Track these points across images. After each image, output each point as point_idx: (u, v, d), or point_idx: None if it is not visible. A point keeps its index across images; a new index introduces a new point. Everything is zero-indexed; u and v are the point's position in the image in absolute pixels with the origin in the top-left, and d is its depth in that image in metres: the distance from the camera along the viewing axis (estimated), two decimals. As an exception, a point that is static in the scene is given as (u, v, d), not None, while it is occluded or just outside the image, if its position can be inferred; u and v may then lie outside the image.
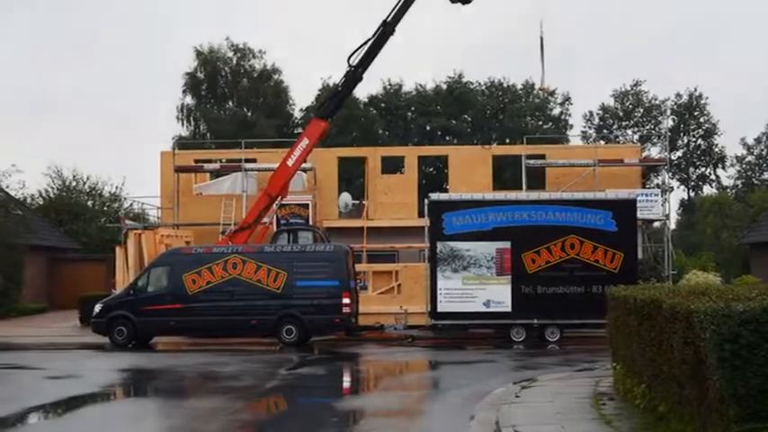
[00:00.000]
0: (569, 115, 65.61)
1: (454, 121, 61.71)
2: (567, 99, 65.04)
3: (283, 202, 30.67)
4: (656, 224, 35.52)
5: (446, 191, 36.75)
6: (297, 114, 64.22)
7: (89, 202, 50.59)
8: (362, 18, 77.02)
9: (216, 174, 36.76)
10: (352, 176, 48.31)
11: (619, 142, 61.60)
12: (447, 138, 61.60)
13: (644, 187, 37.38)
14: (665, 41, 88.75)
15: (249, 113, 61.72)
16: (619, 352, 13.70)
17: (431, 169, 57.37)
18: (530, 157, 34.18)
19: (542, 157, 35.08)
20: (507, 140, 58.37)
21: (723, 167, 66.38)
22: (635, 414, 11.56)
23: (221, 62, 62.68)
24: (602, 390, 14.13)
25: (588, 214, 24.56)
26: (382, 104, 62.56)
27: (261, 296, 24.55)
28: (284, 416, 14.55)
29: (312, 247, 26.93)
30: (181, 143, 49.90)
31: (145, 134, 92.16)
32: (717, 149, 66.00)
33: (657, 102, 66.09)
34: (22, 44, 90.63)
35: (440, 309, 24.57)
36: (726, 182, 66.80)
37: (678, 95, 66.21)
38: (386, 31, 27.71)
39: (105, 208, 51.17)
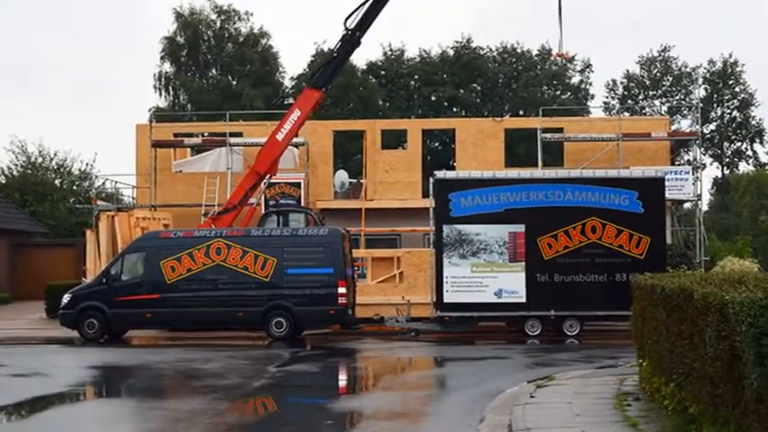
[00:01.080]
0: (590, 84, 65.60)
1: (462, 91, 61.59)
2: (587, 66, 64.91)
3: (272, 181, 30.63)
4: (687, 205, 35.54)
5: (453, 168, 36.70)
6: (287, 83, 64.21)
7: (57, 181, 50.65)
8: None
9: (197, 149, 36.73)
10: (348, 152, 48.31)
11: (645, 114, 61.57)
12: (454, 109, 61.57)
13: (673, 164, 37.35)
14: (697, 2, 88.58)
15: (234, 82, 61.64)
16: (645, 347, 13.70)
17: (436, 144, 57.36)
18: (546, 130, 34.16)
19: (560, 130, 35.08)
20: (521, 112, 58.29)
21: (761, 142, 66.37)
22: (663, 416, 11.57)
23: (203, 25, 62.60)
24: (627, 389, 14.16)
25: (611, 194, 24.53)
26: (382, 72, 62.47)
27: (247, 285, 24.57)
28: (273, 418, 14.58)
29: (304, 230, 26.98)
30: (159, 115, 49.85)
31: (119, 105, 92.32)
32: (754, 122, 65.99)
33: (688, 69, 66.02)
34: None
35: (446, 299, 24.58)
36: (764, 158, 66.88)
37: (711, 62, 66.16)
38: (386, -11, 27.60)
39: (75, 187, 51.22)
